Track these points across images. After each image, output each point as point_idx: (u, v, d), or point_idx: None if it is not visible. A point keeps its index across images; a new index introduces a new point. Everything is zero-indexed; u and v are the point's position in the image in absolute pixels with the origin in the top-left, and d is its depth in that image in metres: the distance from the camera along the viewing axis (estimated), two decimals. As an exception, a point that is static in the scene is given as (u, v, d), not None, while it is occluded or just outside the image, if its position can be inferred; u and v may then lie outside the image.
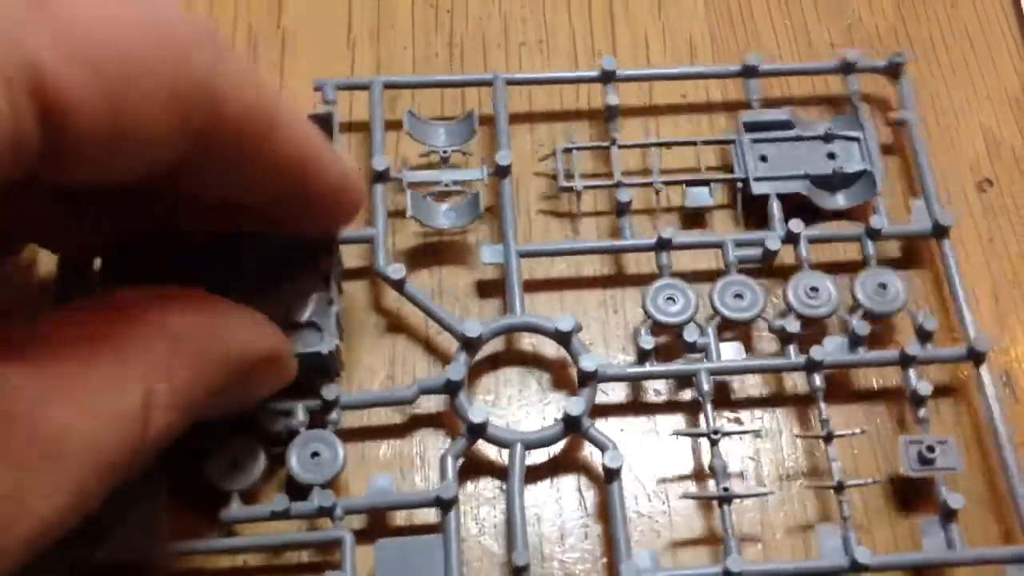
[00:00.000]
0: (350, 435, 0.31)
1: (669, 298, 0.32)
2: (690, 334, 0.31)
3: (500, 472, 0.31)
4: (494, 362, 0.33)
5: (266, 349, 0.26)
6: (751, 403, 0.32)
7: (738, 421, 0.32)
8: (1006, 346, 0.34)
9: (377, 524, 0.30)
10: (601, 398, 0.32)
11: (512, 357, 0.33)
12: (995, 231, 0.36)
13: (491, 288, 0.34)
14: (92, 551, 0.28)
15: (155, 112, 0.20)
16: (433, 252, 0.34)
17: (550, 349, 0.33)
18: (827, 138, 0.35)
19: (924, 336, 0.32)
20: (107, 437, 0.22)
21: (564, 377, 0.33)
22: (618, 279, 0.34)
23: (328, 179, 0.26)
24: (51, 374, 0.21)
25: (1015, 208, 0.36)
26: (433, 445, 0.31)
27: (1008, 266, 0.35)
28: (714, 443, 0.30)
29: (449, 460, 0.30)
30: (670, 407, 0.32)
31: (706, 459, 0.31)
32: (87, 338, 0.22)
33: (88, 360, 0.22)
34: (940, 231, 0.33)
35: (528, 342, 0.33)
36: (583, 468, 0.31)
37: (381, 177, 0.33)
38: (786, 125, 0.35)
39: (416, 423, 0.32)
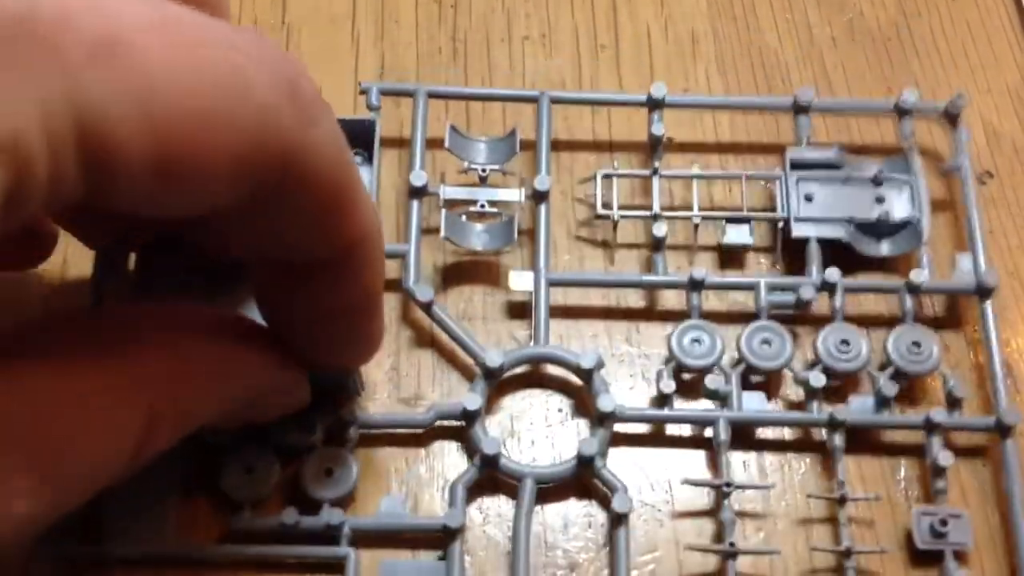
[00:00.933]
0: (367, 441, 0.31)
1: (695, 340, 0.32)
2: (713, 382, 0.31)
3: (511, 491, 0.31)
4: (518, 383, 0.33)
5: (280, 377, 0.27)
6: (772, 446, 0.32)
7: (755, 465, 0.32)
8: (1006, 337, 0.33)
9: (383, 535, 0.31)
10: (621, 427, 0.32)
11: (536, 380, 0.33)
12: (995, 223, 0.35)
13: (520, 311, 0.34)
14: (97, 545, 0.29)
15: (214, 166, 0.20)
16: (464, 271, 0.34)
17: (573, 376, 0.33)
18: (877, 181, 0.34)
19: (952, 403, 0.31)
20: (102, 450, 0.22)
21: (585, 405, 0.32)
22: (648, 313, 0.34)
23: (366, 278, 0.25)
24: (61, 387, 0.21)
25: (1016, 200, 0.36)
26: (449, 460, 0.32)
27: (1009, 259, 0.35)
28: (725, 495, 0.30)
29: (459, 489, 0.30)
30: (689, 443, 0.32)
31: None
32: (96, 351, 0.22)
33: (94, 372, 0.22)
34: (984, 292, 0.33)
35: (551, 367, 0.33)
36: (595, 496, 0.31)
37: (418, 192, 0.33)
38: (834, 165, 0.35)
39: (434, 434, 0.32)
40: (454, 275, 0.34)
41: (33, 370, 0.21)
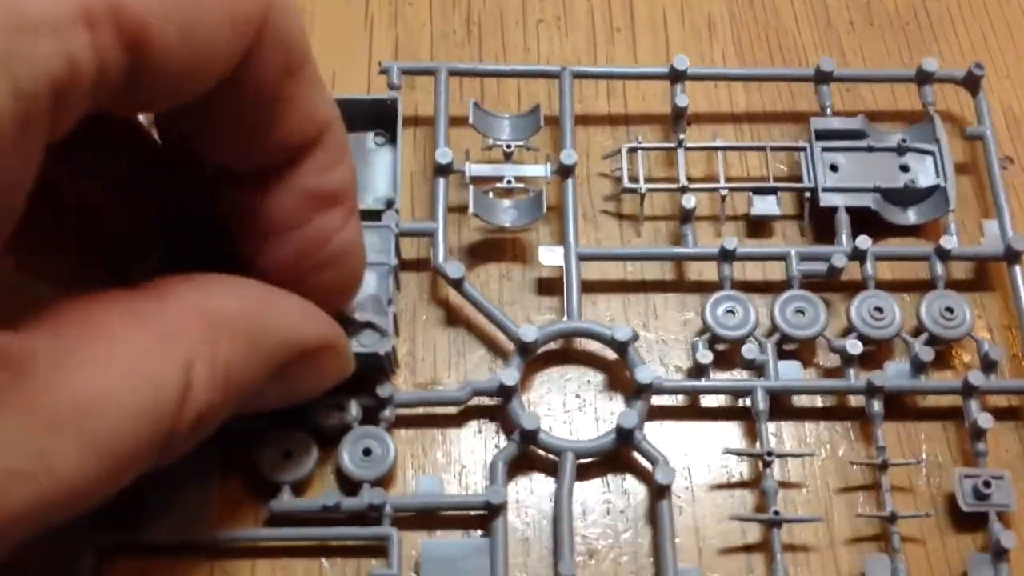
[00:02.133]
0: (404, 422, 0.31)
1: (729, 311, 0.32)
2: (749, 352, 0.31)
3: (550, 468, 0.31)
4: (550, 360, 0.33)
5: (316, 337, 0.26)
6: (809, 414, 0.32)
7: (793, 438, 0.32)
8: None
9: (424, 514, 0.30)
10: (657, 400, 0.32)
11: (569, 356, 0.33)
12: (1016, 210, 0.35)
13: (551, 286, 0.34)
14: (138, 530, 0.28)
15: (219, 32, 0.21)
16: (494, 248, 0.34)
17: (607, 351, 0.33)
18: (901, 150, 0.34)
19: (989, 366, 0.31)
20: (141, 403, 0.21)
21: (620, 379, 0.32)
22: (680, 285, 0.34)
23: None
24: (74, 336, 0.21)
25: (1039, 186, 0.36)
26: (486, 438, 0.31)
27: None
28: (767, 464, 0.30)
29: (500, 465, 0.30)
30: (727, 414, 0.32)
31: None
32: (127, 312, 0.22)
33: (126, 329, 0.21)
34: (1012, 255, 0.33)
35: (585, 343, 0.33)
36: (634, 469, 0.31)
37: (444, 170, 0.33)
38: (859, 135, 0.34)
39: (470, 414, 0.32)
40: (483, 252, 0.34)
41: (68, 336, 0.21)
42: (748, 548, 0.30)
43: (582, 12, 0.39)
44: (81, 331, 0.21)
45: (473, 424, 0.32)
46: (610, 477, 0.31)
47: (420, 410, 0.31)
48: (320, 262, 0.26)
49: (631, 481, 0.31)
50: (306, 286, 0.26)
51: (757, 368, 0.31)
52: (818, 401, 0.32)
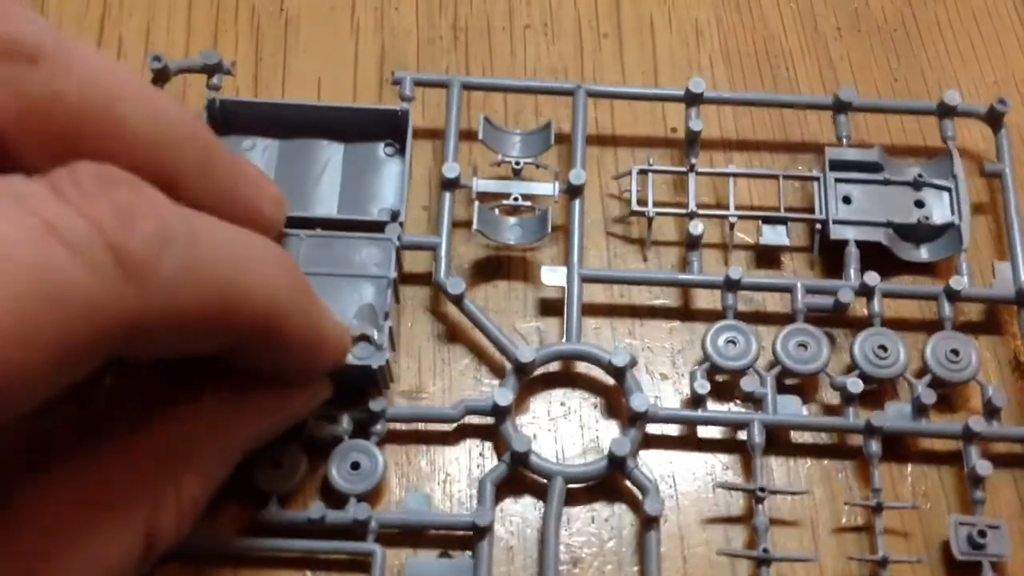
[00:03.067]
0: (396, 437, 0.31)
1: (730, 341, 0.31)
2: (748, 384, 0.31)
3: (540, 490, 0.30)
4: (548, 382, 0.32)
5: (290, 412, 0.27)
6: (806, 451, 0.31)
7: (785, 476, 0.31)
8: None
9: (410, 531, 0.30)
10: (654, 428, 0.31)
11: (567, 379, 0.32)
12: (1003, 216, 0.34)
13: (553, 307, 0.33)
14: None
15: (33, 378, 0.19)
16: (497, 265, 0.34)
17: (606, 375, 0.32)
18: (917, 185, 0.34)
19: (992, 412, 0.30)
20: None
21: (618, 405, 0.32)
22: (683, 312, 0.33)
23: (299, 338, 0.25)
24: (53, 528, 0.21)
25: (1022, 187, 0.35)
26: (477, 457, 0.31)
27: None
28: (759, 500, 0.29)
29: (488, 486, 0.30)
30: (724, 446, 0.32)
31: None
32: (91, 481, 0.22)
33: (90, 506, 0.22)
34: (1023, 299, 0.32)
35: (583, 366, 0.33)
36: (625, 496, 0.31)
37: (451, 184, 0.33)
38: (875, 167, 0.34)
39: (464, 432, 0.31)
40: (486, 269, 0.34)
41: (25, 520, 0.21)
42: (737, 583, 0.30)
43: (569, 18, 0.39)
44: (59, 519, 0.22)
45: (465, 443, 0.31)
46: (600, 504, 0.31)
47: (411, 426, 0.31)
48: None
49: (621, 508, 0.31)
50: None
51: (756, 401, 0.31)
52: (816, 438, 0.32)
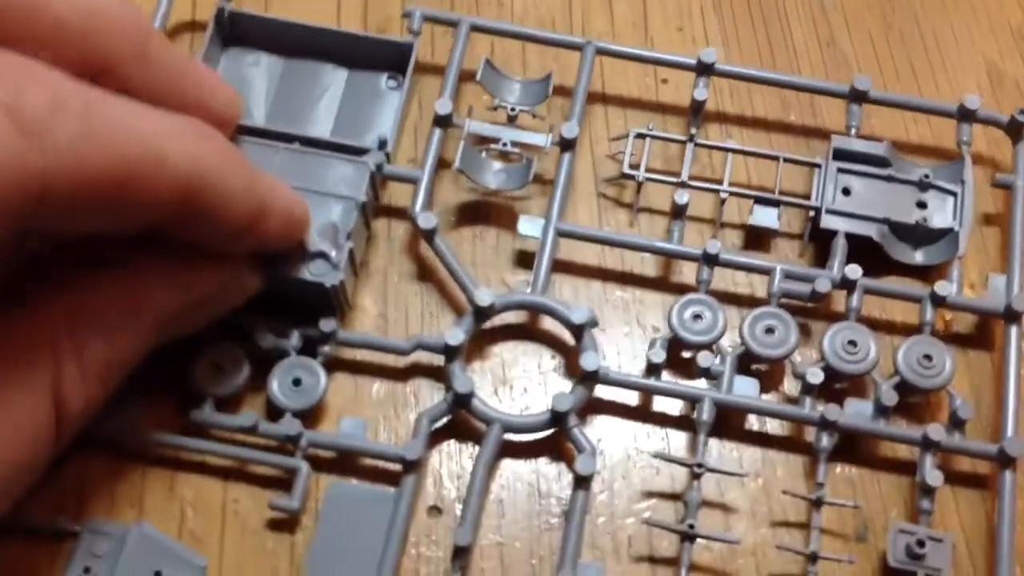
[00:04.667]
0: (347, 367, 0.31)
1: (697, 315, 0.30)
2: (704, 359, 0.30)
3: (478, 440, 0.30)
4: (510, 333, 0.32)
5: (209, 293, 0.27)
6: (759, 439, 0.31)
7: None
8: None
9: (346, 459, 0.30)
10: (610, 395, 0.31)
11: (530, 333, 0.32)
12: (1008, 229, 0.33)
13: (528, 260, 0.33)
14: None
15: None
16: (480, 211, 0.33)
17: (570, 336, 0.32)
18: (922, 185, 0.32)
19: (956, 423, 0.29)
20: (19, 453, 0.23)
21: (574, 365, 0.31)
22: (659, 282, 0.33)
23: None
24: None
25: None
26: (425, 396, 0.31)
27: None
28: (696, 476, 0.28)
29: (424, 422, 0.29)
30: (676, 422, 0.31)
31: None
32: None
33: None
34: (1011, 315, 0.30)
35: (550, 322, 0.32)
36: (566, 457, 0.30)
37: (442, 121, 0.32)
38: (881, 161, 0.33)
39: (416, 371, 0.31)
40: (469, 213, 0.33)
41: None
42: (656, 560, 0.29)
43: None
44: None
45: (416, 381, 0.31)
46: (542, 462, 0.30)
47: (365, 357, 0.31)
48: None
49: (561, 467, 0.30)
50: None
51: (712, 378, 0.30)
52: (771, 427, 0.31)
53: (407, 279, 0.32)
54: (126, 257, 0.25)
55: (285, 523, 0.29)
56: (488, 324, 0.31)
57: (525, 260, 0.33)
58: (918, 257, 0.32)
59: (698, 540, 0.28)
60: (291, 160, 0.30)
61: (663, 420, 0.31)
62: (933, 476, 0.28)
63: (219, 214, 0.24)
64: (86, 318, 0.24)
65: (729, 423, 0.30)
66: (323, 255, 0.29)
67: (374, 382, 0.31)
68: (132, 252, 0.25)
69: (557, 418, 0.29)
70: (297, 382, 0.29)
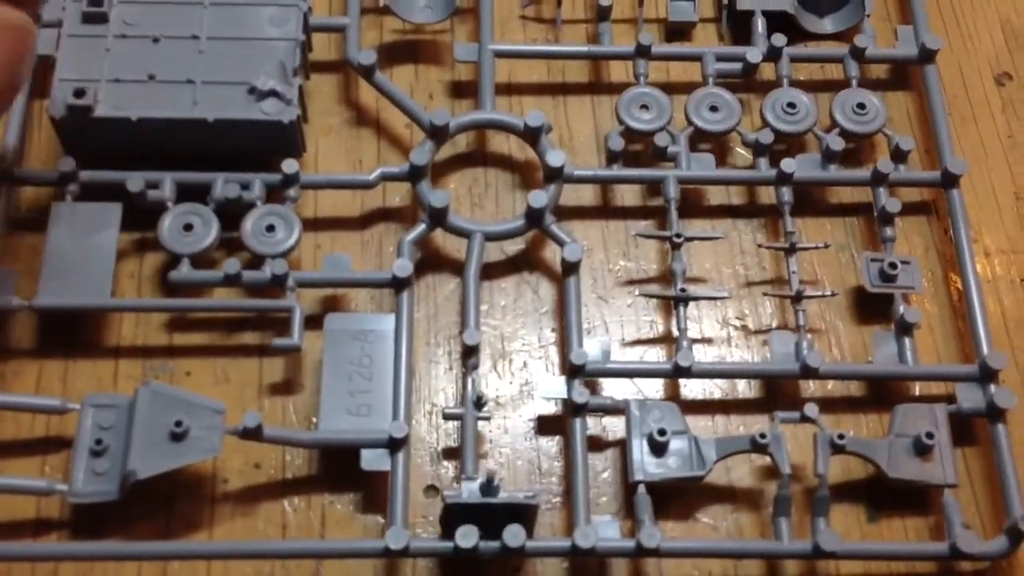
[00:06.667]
0: (311, 224, 0.31)
1: (643, 106, 0.32)
2: (662, 139, 0.31)
3: (458, 268, 0.30)
4: (463, 161, 0.32)
5: None
6: (720, 211, 0.32)
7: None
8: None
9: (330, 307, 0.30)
10: (570, 200, 0.31)
11: (481, 158, 0.32)
12: (1016, 128, 0.34)
13: (466, 89, 0.33)
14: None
15: None
16: (409, 49, 0.34)
17: (519, 152, 0.32)
18: (825, -38, 0.34)
19: (899, 156, 0.31)
20: None
21: (532, 179, 0.32)
22: (596, 87, 0.33)
23: None
24: None
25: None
26: (393, 237, 0.31)
27: None
28: (676, 246, 0.30)
29: (407, 244, 0.29)
30: (638, 212, 0.32)
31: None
32: None
33: None
34: (926, 55, 0.33)
35: (499, 144, 0.32)
36: (542, 267, 0.31)
37: (359, -36, 0.32)
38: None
39: (377, 216, 0.31)
40: (398, 52, 0.34)
41: None
42: (656, 331, 0.30)
43: None
44: None
45: (384, 220, 0.31)
46: (524, 273, 0.31)
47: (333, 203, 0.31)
48: None
49: (540, 275, 0.31)
50: None
51: (670, 159, 0.31)
52: (730, 198, 0.32)
53: (347, 127, 0.32)
54: None
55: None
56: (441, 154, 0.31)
57: (462, 90, 0.33)
58: (827, 25, 0.34)
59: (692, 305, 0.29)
60: (220, 15, 0.30)
61: (628, 213, 0.32)
62: (891, 204, 0.30)
63: None
64: None
65: (690, 202, 0.32)
66: (275, 93, 0.29)
67: (339, 232, 0.31)
68: None
69: (534, 217, 0.30)
70: (271, 228, 0.29)
